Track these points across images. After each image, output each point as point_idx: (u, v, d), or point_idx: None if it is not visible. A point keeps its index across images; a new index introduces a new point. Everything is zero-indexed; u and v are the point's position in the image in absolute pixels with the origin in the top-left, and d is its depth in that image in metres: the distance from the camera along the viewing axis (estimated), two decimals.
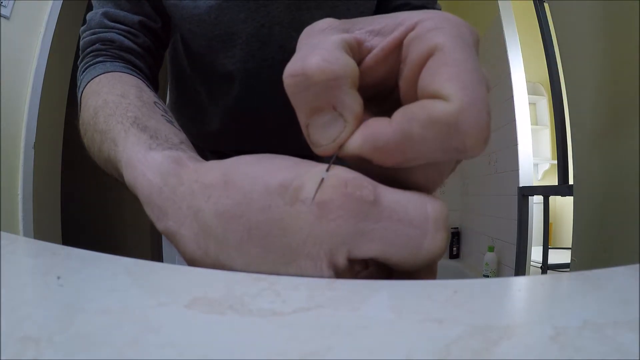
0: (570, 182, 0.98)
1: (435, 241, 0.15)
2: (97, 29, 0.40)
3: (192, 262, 0.18)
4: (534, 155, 1.98)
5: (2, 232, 0.22)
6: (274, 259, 0.15)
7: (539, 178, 2.59)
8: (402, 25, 0.16)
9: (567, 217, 2.13)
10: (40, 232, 1.39)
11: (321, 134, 0.16)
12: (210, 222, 0.16)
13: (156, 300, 0.12)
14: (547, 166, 2.59)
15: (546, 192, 1.32)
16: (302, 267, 0.15)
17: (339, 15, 0.47)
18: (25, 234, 1.34)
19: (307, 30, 0.17)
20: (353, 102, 0.15)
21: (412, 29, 0.16)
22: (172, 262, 1.83)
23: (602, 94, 0.73)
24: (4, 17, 1.29)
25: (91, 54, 0.39)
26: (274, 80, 0.47)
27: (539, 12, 1.35)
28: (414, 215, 0.15)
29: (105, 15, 0.40)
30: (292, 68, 0.15)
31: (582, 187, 0.80)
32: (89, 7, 0.44)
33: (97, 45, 0.39)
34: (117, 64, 0.38)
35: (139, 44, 0.41)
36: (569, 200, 0.90)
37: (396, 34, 0.16)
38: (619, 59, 0.68)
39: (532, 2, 1.42)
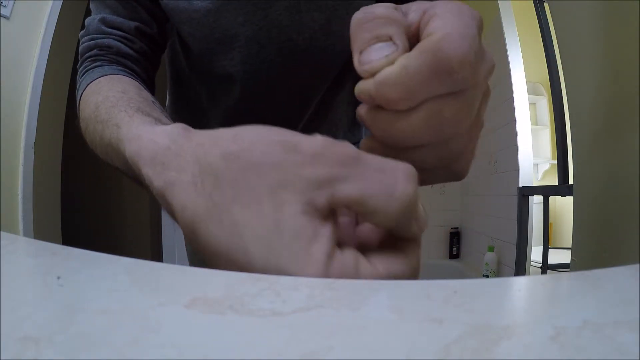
0: (570, 182, 0.98)
1: (406, 189, 0.17)
2: (95, 35, 0.41)
3: (182, 210, 0.19)
4: (534, 155, 1.98)
5: (2, 232, 0.22)
6: (261, 192, 0.17)
7: (539, 178, 2.59)
8: (422, 6, 0.20)
9: (567, 217, 2.13)
10: (40, 232, 1.39)
11: (376, 53, 0.19)
12: (214, 162, 0.18)
13: (156, 300, 0.12)
14: (547, 166, 2.59)
15: (546, 192, 1.32)
16: (283, 200, 0.17)
17: (338, 19, 0.47)
18: (25, 234, 1.34)
19: (362, 9, 0.21)
20: (404, 39, 0.19)
21: (428, 9, 0.20)
22: (172, 262, 1.82)
23: (602, 94, 0.73)
24: (4, 17, 1.29)
25: (89, 59, 0.41)
26: (273, 81, 0.47)
27: (539, 12, 1.35)
28: (388, 167, 0.17)
29: (103, 21, 0.41)
30: (362, 10, 0.20)
31: (582, 187, 0.80)
32: (89, 8, 0.44)
33: (95, 51, 0.41)
34: (115, 67, 0.40)
35: (136, 49, 0.42)
36: (569, 200, 0.90)
37: (417, 13, 0.20)
38: (619, 59, 0.68)
39: (532, 2, 1.42)
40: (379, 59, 0.19)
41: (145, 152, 0.22)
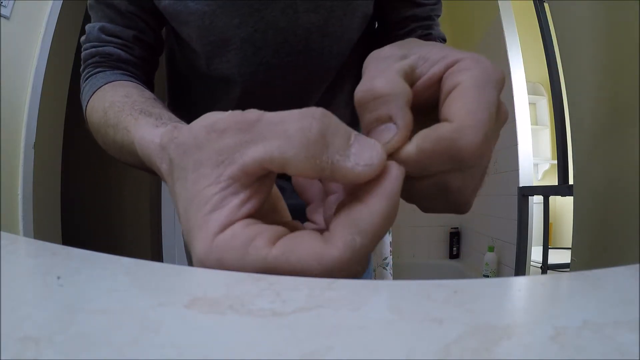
0: (570, 182, 0.98)
1: (300, 127, 0.16)
2: (95, 42, 0.44)
3: (173, 193, 0.21)
4: (534, 155, 1.97)
5: (2, 232, 0.22)
6: (188, 170, 0.19)
7: (539, 178, 2.59)
8: (445, 59, 0.21)
9: (567, 217, 2.13)
10: (40, 232, 1.39)
11: (378, 137, 0.19)
12: (170, 150, 0.20)
13: (156, 300, 0.12)
14: (547, 166, 2.59)
15: (546, 192, 1.32)
16: (201, 174, 0.18)
17: (334, 20, 0.47)
18: (25, 234, 1.33)
19: (374, 55, 0.22)
20: (406, 115, 0.19)
21: (452, 65, 0.20)
22: (172, 262, 1.83)
23: (602, 94, 0.73)
24: (4, 17, 1.29)
25: (92, 65, 0.44)
26: (269, 83, 0.47)
27: (539, 12, 1.35)
28: (285, 116, 0.17)
29: (102, 30, 0.43)
30: (363, 85, 0.20)
31: (582, 187, 0.80)
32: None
33: (96, 58, 0.44)
34: (117, 73, 0.43)
35: (135, 55, 0.45)
36: (569, 200, 0.90)
37: (440, 66, 0.21)
38: (619, 59, 0.68)
39: (532, 2, 1.42)
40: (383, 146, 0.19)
41: (149, 152, 0.24)
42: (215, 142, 0.18)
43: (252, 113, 0.18)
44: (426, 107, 0.22)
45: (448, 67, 0.20)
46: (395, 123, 0.19)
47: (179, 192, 0.19)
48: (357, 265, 0.17)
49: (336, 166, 0.17)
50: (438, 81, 0.21)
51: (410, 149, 0.19)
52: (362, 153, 0.17)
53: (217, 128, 0.18)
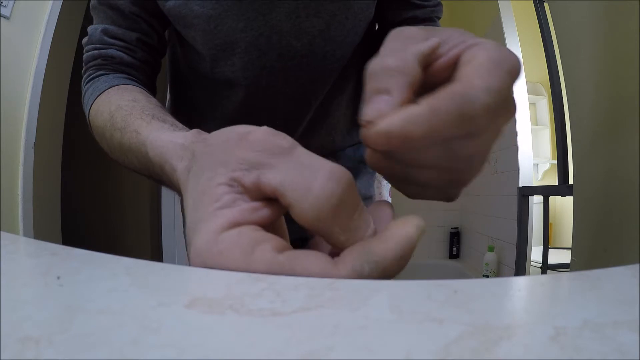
0: (570, 182, 0.98)
1: (325, 188, 0.17)
2: (97, 45, 0.43)
3: (182, 193, 0.22)
4: (534, 155, 1.98)
5: (2, 232, 0.22)
6: (206, 167, 0.20)
7: (539, 178, 2.59)
8: (466, 42, 0.21)
9: (567, 217, 2.13)
10: (40, 232, 1.39)
11: (371, 106, 0.20)
12: (197, 148, 0.22)
13: (156, 300, 0.12)
14: (547, 166, 2.59)
15: (546, 192, 1.32)
16: (217, 172, 0.19)
17: (337, 24, 0.48)
18: (25, 234, 1.34)
19: (396, 33, 0.22)
20: (404, 92, 0.20)
21: (472, 46, 0.21)
22: (172, 262, 1.82)
23: (602, 94, 0.73)
24: (4, 17, 1.29)
25: (94, 67, 0.43)
26: (272, 86, 0.47)
27: (539, 12, 1.35)
28: (314, 164, 0.18)
29: (105, 32, 0.43)
30: (377, 58, 0.21)
31: (582, 187, 0.80)
32: (89, 8, 0.45)
33: (99, 60, 0.43)
34: (119, 76, 0.42)
35: (138, 58, 0.44)
36: (569, 200, 0.90)
37: (460, 48, 0.21)
38: (619, 59, 0.68)
39: (532, 2, 1.42)
40: (372, 113, 0.20)
41: (165, 150, 0.25)
42: (242, 150, 0.19)
43: (286, 140, 0.19)
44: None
45: (467, 48, 0.21)
46: (391, 96, 0.20)
47: (192, 185, 0.20)
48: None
49: (331, 236, 0.18)
50: (455, 60, 0.21)
51: (421, 108, 0.19)
52: (356, 232, 0.18)
53: (249, 139, 0.19)
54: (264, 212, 0.18)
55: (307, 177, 0.17)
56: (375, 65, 0.21)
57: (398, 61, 0.20)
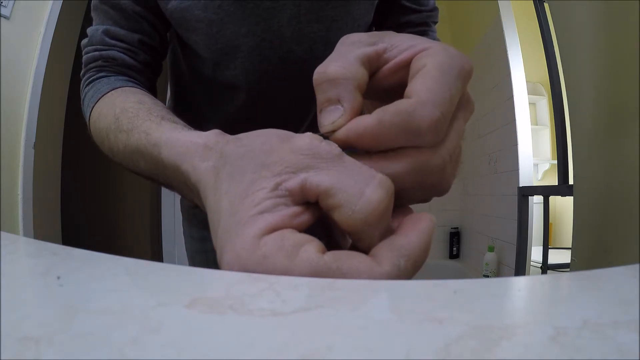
0: (570, 182, 0.98)
1: (375, 193, 0.17)
2: (98, 46, 0.42)
3: (203, 192, 0.22)
4: (534, 155, 1.97)
5: (2, 232, 0.22)
6: (247, 169, 0.20)
7: (539, 178, 2.59)
8: (414, 47, 0.21)
9: (567, 217, 2.13)
10: (40, 232, 1.39)
11: (326, 117, 0.21)
12: (227, 149, 0.21)
13: (156, 300, 0.12)
14: (547, 166, 2.59)
15: (546, 192, 1.32)
16: (260, 176, 0.19)
17: (337, 30, 0.48)
18: (25, 234, 1.34)
19: (343, 39, 0.23)
20: (353, 98, 0.20)
21: (420, 52, 0.21)
22: (172, 262, 1.82)
23: (602, 94, 0.73)
24: (4, 17, 1.29)
25: (94, 69, 0.42)
26: (273, 91, 0.47)
27: (539, 12, 1.35)
28: (365, 171, 0.18)
29: (106, 33, 0.42)
30: (320, 67, 0.21)
31: (582, 187, 0.80)
32: (89, 8, 0.45)
33: (100, 62, 0.42)
34: (120, 78, 0.42)
35: (139, 60, 0.43)
36: (569, 200, 0.90)
37: (408, 53, 0.21)
38: (619, 59, 0.68)
39: (532, 2, 1.42)
40: (328, 125, 0.21)
41: (184, 150, 0.24)
42: (286, 153, 0.19)
43: (335, 147, 0.19)
44: (394, 91, 0.23)
45: (416, 54, 0.21)
46: (342, 105, 0.20)
47: (228, 187, 0.20)
48: None
49: (371, 239, 0.18)
50: (405, 66, 0.22)
51: (371, 120, 0.20)
52: (384, 236, 0.19)
53: (296, 143, 0.19)
54: (303, 217, 0.19)
55: (359, 182, 0.18)
56: (319, 75, 0.21)
57: (340, 68, 0.21)
